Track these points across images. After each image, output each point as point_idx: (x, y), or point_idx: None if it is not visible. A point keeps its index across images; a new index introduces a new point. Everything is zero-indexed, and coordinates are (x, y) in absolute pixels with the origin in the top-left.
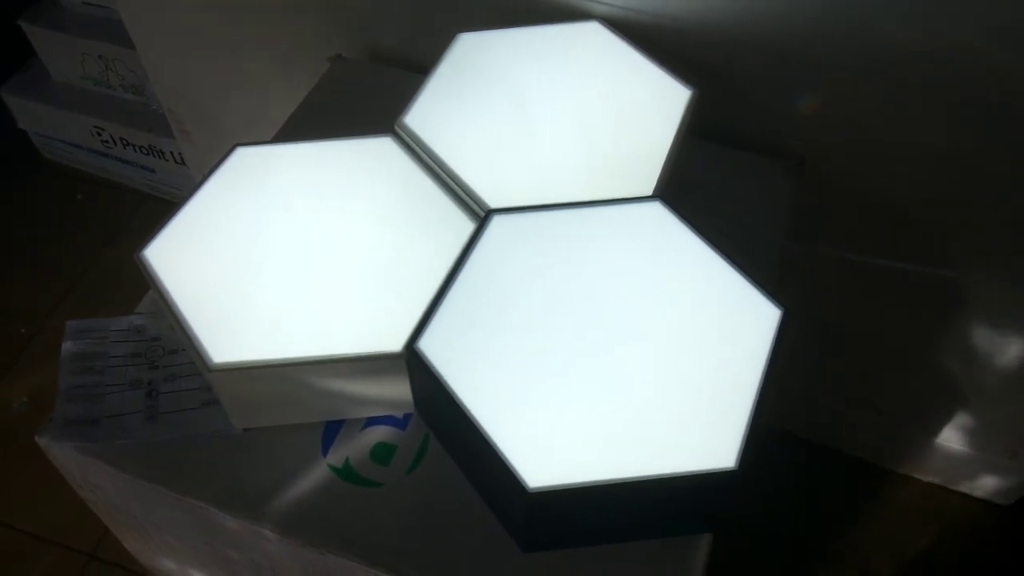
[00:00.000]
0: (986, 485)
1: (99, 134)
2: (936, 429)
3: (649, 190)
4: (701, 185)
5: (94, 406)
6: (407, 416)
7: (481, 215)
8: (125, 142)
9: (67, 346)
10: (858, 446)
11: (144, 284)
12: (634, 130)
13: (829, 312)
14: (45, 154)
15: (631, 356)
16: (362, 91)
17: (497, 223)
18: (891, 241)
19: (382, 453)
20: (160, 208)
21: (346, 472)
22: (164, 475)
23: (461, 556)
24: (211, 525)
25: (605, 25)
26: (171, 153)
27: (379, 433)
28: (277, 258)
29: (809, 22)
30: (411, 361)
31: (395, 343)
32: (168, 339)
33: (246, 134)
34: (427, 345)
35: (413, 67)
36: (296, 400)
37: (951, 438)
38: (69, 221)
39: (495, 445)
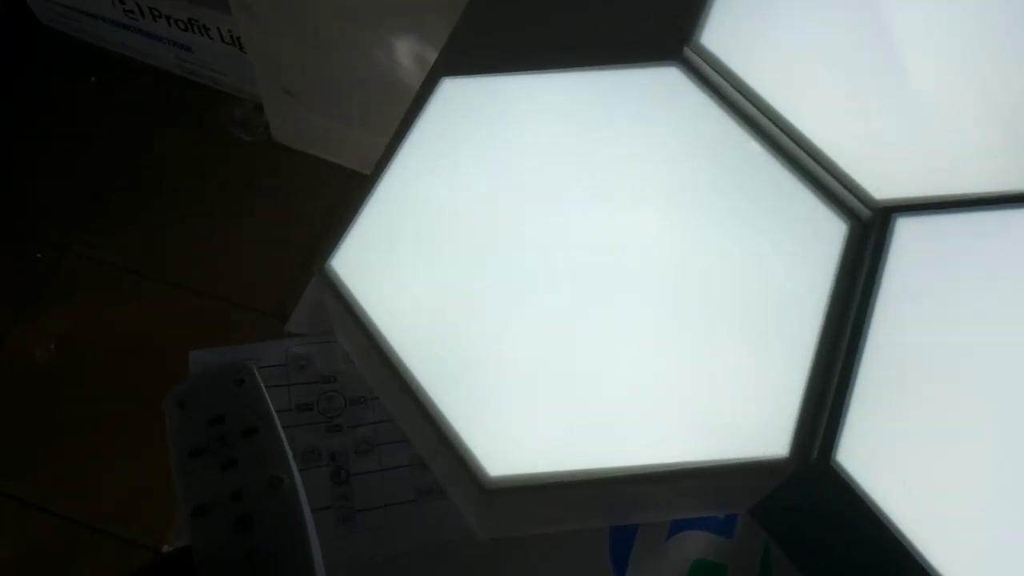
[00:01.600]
0: None
1: (122, 2)
2: None
3: None
4: None
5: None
6: (731, 518)
7: (863, 213)
8: (156, 13)
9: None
10: None
11: (204, 211)
12: None
13: None
14: (45, 22)
15: None
16: None
17: (905, 233)
18: None
19: None
20: (197, 94)
21: None
22: None
23: None
24: None
25: None
26: (217, 29)
27: (694, 544)
28: (537, 278)
29: None
30: (816, 479)
31: (774, 442)
32: (347, 380)
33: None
34: (848, 455)
35: None
36: (578, 510)
37: None
38: (81, 111)
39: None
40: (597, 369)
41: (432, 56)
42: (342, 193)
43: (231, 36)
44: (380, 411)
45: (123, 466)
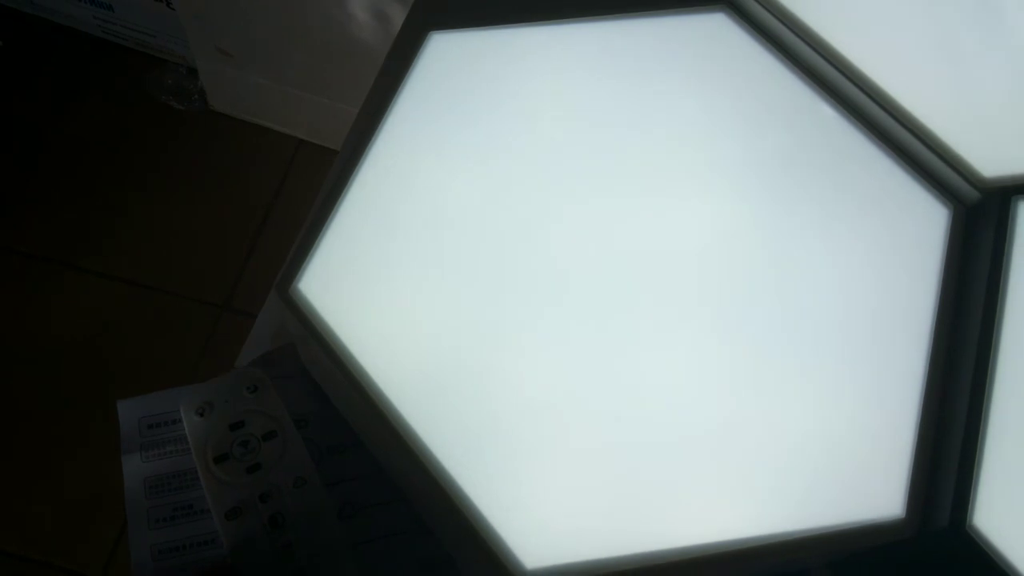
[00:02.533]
0: None
1: None
2: None
3: None
4: None
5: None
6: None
7: (970, 196)
8: None
9: (132, 464)
10: None
11: (140, 184)
12: None
13: None
14: None
15: None
16: None
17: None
18: None
19: None
20: (122, 58)
21: None
22: None
23: None
24: None
25: None
26: None
27: None
28: (565, 298)
29: None
30: (946, 546)
31: (884, 501)
32: (316, 422)
33: None
34: (983, 516)
35: None
36: None
37: None
38: None
39: None
40: (642, 417)
41: (394, 7)
42: (291, 166)
43: None
44: (367, 465)
45: (57, 484)
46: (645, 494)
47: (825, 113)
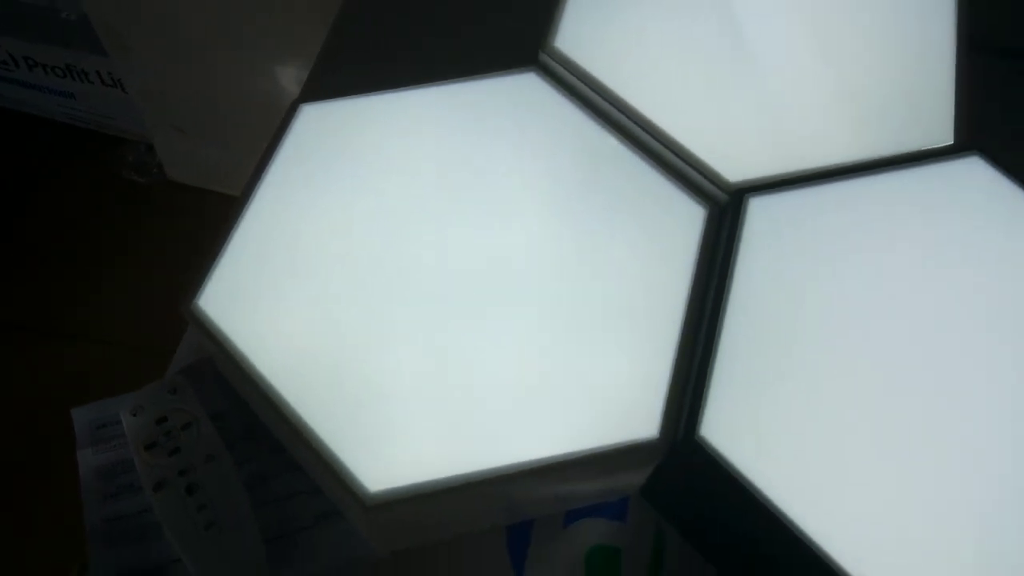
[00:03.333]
0: None
1: None
2: None
3: (947, 135)
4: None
5: (151, 548)
6: (623, 501)
7: (720, 197)
8: (31, 62)
9: (85, 457)
10: None
11: (106, 255)
12: (897, 47)
13: None
14: None
15: (998, 414)
16: None
17: (757, 211)
18: None
19: (604, 561)
20: (87, 141)
21: None
22: None
23: None
24: None
25: None
26: (96, 73)
27: (589, 531)
28: (407, 292)
29: None
30: (680, 453)
31: (640, 426)
32: (232, 415)
33: (219, 49)
34: (712, 429)
35: None
36: (472, 513)
37: None
38: None
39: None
40: (473, 378)
41: None
42: None
43: (112, 78)
44: (271, 444)
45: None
46: (468, 429)
47: (613, 145)
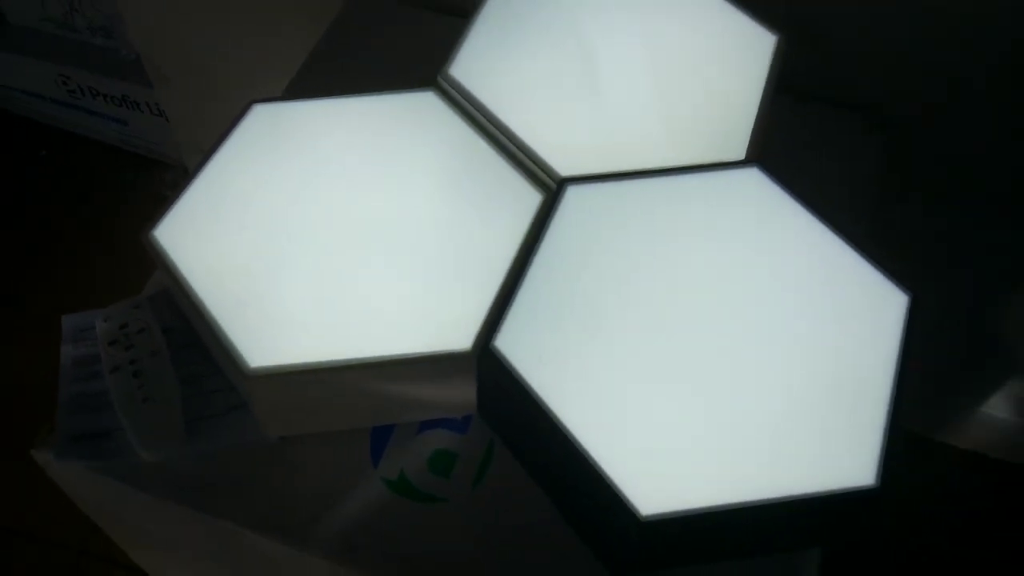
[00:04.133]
0: None
1: (64, 83)
2: (984, 397)
3: (740, 152)
4: (778, 140)
5: (103, 417)
6: (467, 418)
7: (552, 185)
8: (94, 91)
9: (66, 350)
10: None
11: (137, 256)
12: (716, 82)
13: None
14: (2, 104)
15: (743, 354)
16: (384, 35)
17: (573, 196)
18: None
19: (442, 463)
20: (135, 164)
21: (402, 486)
22: (190, 494)
23: None
24: (245, 550)
25: None
26: (147, 104)
27: (436, 439)
28: (314, 239)
29: None
30: (484, 363)
31: (462, 340)
32: (181, 331)
33: (242, 90)
34: (504, 344)
35: (443, 8)
36: (341, 406)
37: (998, 406)
38: (33, 181)
39: (598, 466)
40: (348, 297)
41: None
42: None
43: (159, 109)
44: (202, 354)
45: None
46: (336, 332)
47: (483, 147)
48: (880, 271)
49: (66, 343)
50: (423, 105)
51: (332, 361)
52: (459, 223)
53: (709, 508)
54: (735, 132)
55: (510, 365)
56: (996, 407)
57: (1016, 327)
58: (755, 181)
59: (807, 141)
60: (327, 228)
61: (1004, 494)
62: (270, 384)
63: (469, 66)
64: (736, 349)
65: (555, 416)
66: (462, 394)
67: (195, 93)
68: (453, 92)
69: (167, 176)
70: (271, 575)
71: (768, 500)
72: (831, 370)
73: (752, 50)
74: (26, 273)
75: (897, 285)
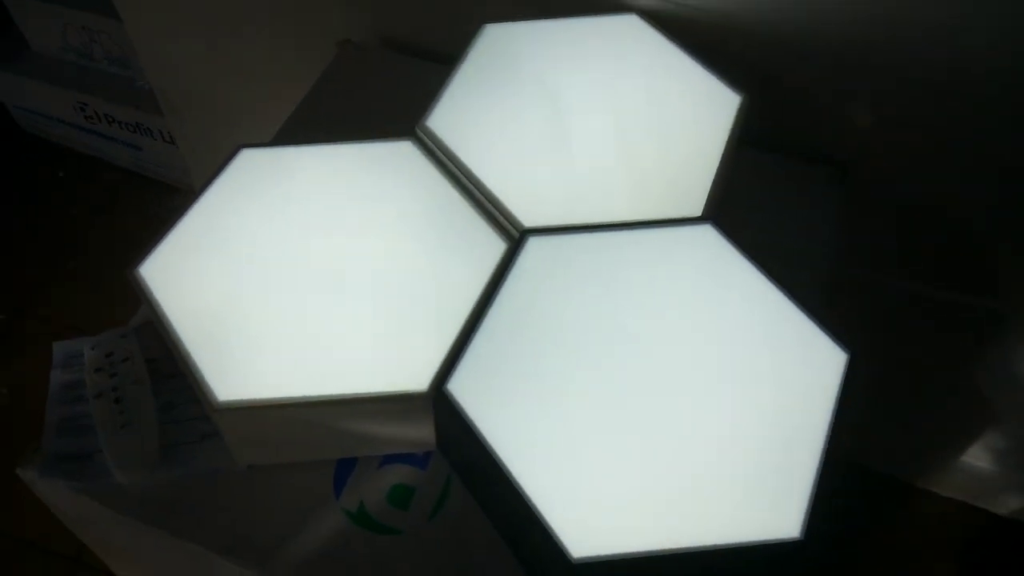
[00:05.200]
0: (1010, 503)
1: (82, 109)
2: (964, 447)
3: (698, 208)
4: (739, 192)
5: (85, 440)
6: (427, 454)
7: (515, 235)
8: (110, 118)
9: (55, 375)
10: (882, 462)
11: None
12: (679, 140)
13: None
14: (24, 127)
15: (682, 406)
16: (374, 81)
17: (533, 246)
18: (936, 266)
19: (400, 496)
20: (147, 188)
21: (361, 517)
22: (163, 516)
23: None
24: (214, 571)
25: (644, 19)
26: (159, 132)
27: (397, 473)
28: (289, 279)
29: (875, 24)
30: (439, 404)
31: (421, 382)
32: (164, 361)
33: (244, 121)
34: (457, 387)
35: (429, 56)
36: (307, 439)
37: (979, 456)
38: (51, 199)
39: (535, 508)
40: (322, 334)
41: None
42: None
43: (171, 136)
44: (182, 383)
45: None
46: (306, 369)
47: (454, 196)
48: (822, 329)
49: (56, 368)
50: (400, 154)
51: (296, 397)
52: (427, 268)
53: (637, 554)
54: (694, 188)
55: (460, 408)
56: (977, 457)
57: (994, 381)
58: (708, 238)
59: (769, 193)
60: (301, 269)
61: (987, 542)
62: (237, 417)
63: (446, 118)
64: (676, 401)
65: (499, 458)
66: (421, 431)
67: (203, 122)
68: (429, 142)
69: (176, 201)
70: None
71: (693, 548)
72: (767, 423)
73: (716, 109)
74: (42, 285)
75: (837, 343)
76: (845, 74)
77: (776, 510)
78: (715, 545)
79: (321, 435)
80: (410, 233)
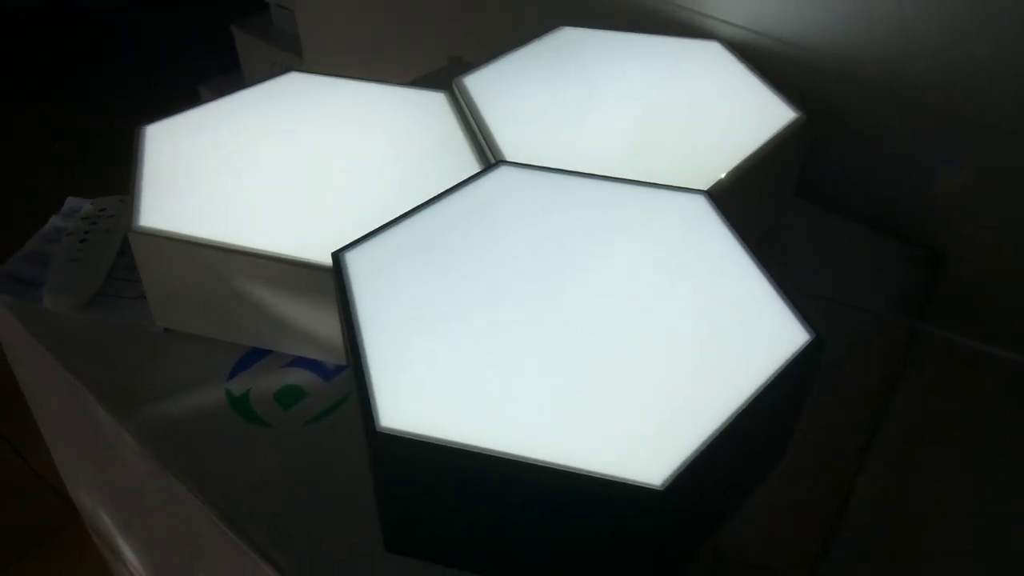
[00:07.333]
0: None
1: None
2: None
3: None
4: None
5: (44, 272)
6: (339, 368)
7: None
8: None
9: (54, 220)
10: None
11: None
12: (714, 136)
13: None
14: None
15: (602, 338)
16: None
17: (503, 172)
18: None
19: (288, 396)
20: None
21: (240, 403)
22: (68, 352)
23: (319, 540)
24: (89, 417)
25: (726, 46)
26: None
27: (296, 376)
28: (268, 165)
29: (976, 73)
30: (335, 272)
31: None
32: None
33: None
34: (355, 258)
35: None
36: (219, 305)
37: None
38: None
39: (366, 365)
40: (265, 190)
41: None
42: None
43: None
44: None
45: None
46: (237, 216)
47: (461, 143)
48: (790, 308)
49: (58, 216)
50: (432, 102)
51: (202, 238)
52: (402, 181)
53: (455, 444)
54: (711, 173)
55: (346, 272)
56: None
57: None
58: (696, 205)
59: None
60: (286, 161)
61: None
62: (148, 245)
63: (485, 81)
64: (595, 330)
65: (357, 318)
66: (335, 335)
67: None
68: (460, 97)
69: None
70: (113, 466)
71: (517, 457)
72: (686, 371)
73: (768, 118)
74: None
75: (803, 325)
76: (942, 128)
77: (653, 457)
78: (566, 466)
79: (232, 304)
80: (407, 160)
